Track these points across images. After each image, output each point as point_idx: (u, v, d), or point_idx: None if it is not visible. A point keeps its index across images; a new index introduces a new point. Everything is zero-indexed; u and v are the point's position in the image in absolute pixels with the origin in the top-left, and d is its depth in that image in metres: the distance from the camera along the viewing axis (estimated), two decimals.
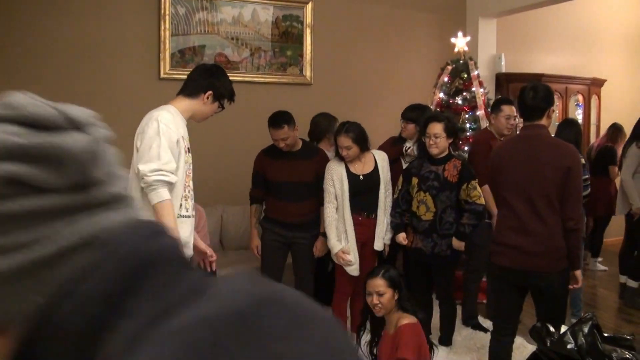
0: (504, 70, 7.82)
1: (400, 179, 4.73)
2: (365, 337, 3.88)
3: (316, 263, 5.00)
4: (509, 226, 3.65)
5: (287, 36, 6.67)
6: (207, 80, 3.29)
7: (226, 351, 0.54)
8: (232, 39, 6.39)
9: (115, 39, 5.89)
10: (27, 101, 0.63)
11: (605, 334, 3.42)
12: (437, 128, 4.44)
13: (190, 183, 3.28)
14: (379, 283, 3.64)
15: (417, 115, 5.08)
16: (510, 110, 5.11)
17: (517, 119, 5.19)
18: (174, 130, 3.07)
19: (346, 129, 4.51)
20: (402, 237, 4.65)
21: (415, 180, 4.59)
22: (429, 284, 4.78)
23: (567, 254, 3.55)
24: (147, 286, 0.60)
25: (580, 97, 8.19)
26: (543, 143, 3.59)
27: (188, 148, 3.25)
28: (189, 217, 3.25)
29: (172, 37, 6.04)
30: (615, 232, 7.75)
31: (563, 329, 3.38)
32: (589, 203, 5.39)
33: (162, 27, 6.01)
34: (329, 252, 4.70)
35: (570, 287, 3.72)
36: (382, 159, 4.69)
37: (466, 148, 6.29)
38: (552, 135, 3.94)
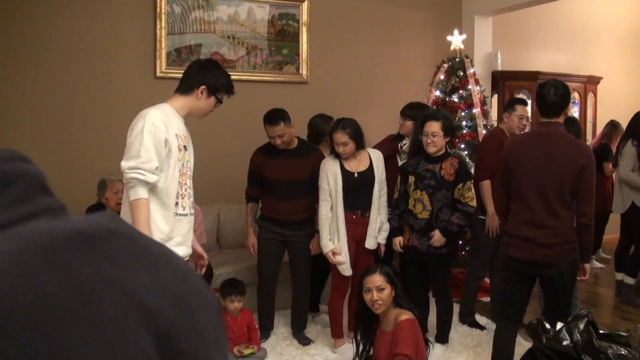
0: (500, 68, 7.82)
1: (399, 178, 4.73)
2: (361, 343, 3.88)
3: (313, 261, 5.01)
4: (522, 219, 3.72)
5: (283, 34, 6.67)
6: (200, 75, 3.27)
7: (57, 257, 0.56)
8: (228, 37, 6.39)
9: (111, 38, 5.88)
10: None
11: (601, 331, 3.44)
12: (435, 127, 4.43)
13: (188, 181, 3.27)
14: (378, 279, 3.66)
15: (416, 113, 5.07)
16: (523, 110, 5.09)
17: (529, 120, 5.20)
18: (163, 129, 3.05)
19: (342, 125, 4.49)
20: (397, 242, 4.65)
21: (412, 179, 4.58)
22: (426, 281, 4.78)
23: (579, 248, 3.67)
24: None
25: (576, 95, 8.19)
26: (560, 141, 3.66)
27: (184, 146, 3.23)
28: (185, 215, 3.24)
29: (168, 36, 6.03)
30: (611, 230, 7.76)
31: (559, 325, 3.39)
32: None
33: (158, 26, 6.00)
34: None
35: (578, 278, 3.83)
36: (377, 158, 4.67)
37: (462, 146, 6.30)
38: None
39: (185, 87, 3.26)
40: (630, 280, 6.13)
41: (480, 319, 5.34)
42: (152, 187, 3.05)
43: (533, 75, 7.89)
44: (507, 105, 5.19)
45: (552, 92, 3.64)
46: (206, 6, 6.24)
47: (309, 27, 6.77)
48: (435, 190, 4.47)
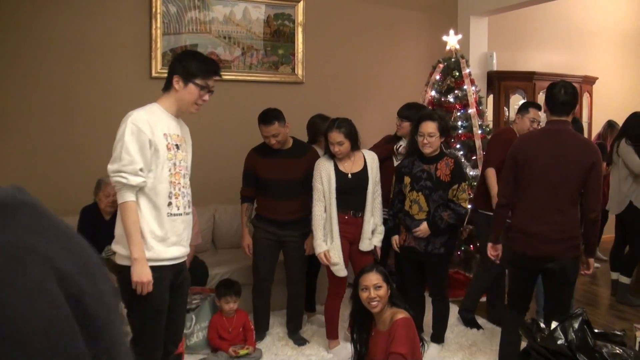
0: (495, 68, 7.84)
1: (393, 178, 4.73)
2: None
3: (309, 261, 5.00)
4: (529, 214, 3.83)
5: (278, 35, 6.67)
6: (172, 66, 3.24)
7: None
8: (224, 37, 6.38)
9: (107, 38, 5.87)
10: None
11: (596, 330, 3.44)
12: (431, 127, 4.42)
13: (182, 180, 3.21)
14: (374, 277, 3.66)
15: (413, 113, 5.05)
16: (536, 114, 5.08)
17: (539, 124, 5.18)
18: (146, 130, 3.01)
19: (337, 124, 4.47)
20: (395, 241, 4.65)
21: (407, 180, 4.56)
22: (422, 281, 4.78)
23: (584, 242, 3.85)
24: None
25: None
26: (570, 139, 3.78)
27: (176, 145, 3.18)
28: (180, 214, 3.19)
29: (163, 36, 6.02)
30: (606, 230, 7.78)
31: (554, 324, 3.40)
32: None
33: (154, 26, 5.99)
34: None
35: (582, 272, 3.97)
36: (372, 159, 4.65)
37: (458, 146, 6.30)
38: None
39: (166, 83, 3.22)
40: (625, 280, 6.14)
41: (478, 319, 5.33)
42: (141, 188, 3.03)
43: (528, 76, 7.90)
44: (521, 108, 5.19)
45: (563, 92, 3.77)
46: (202, 6, 6.24)
47: (304, 27, 6.77)
48: (431, 192, 4.46)
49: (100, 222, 4.84)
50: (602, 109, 8.48)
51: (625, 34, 9.66)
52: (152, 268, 3.03)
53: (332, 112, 5.59)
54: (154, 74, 5.98)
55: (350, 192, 4.54)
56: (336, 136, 4.45)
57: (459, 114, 6.44)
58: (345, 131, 4.45)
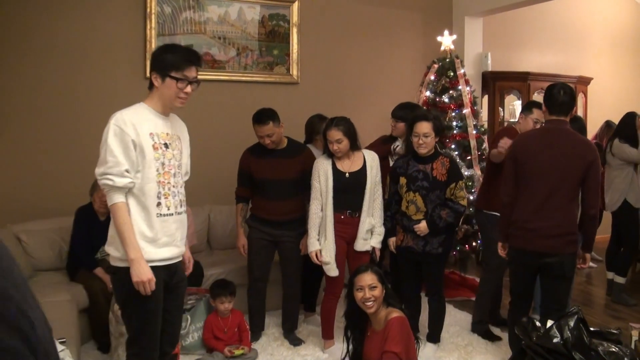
0: (490, 68, 7.86)
1: (387, 179, 4.72)
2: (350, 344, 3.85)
3: (305, 262, 5.00)
4: (528, 211, 3.95)
5: (273, 35, 6.66)
6: (150, 63, 3.20)
7: None
8: (219, 38, 6.37)
9: (101, 38, 5.86)
10: None
11: (592, 328, 3.44)
12: (426, 127, 4.40)
13: (172, 180, 3.13)
14: (369, 277, 3.64)
15: (407, 113, 5.05)
16: (539, 115, 5.02)
17: (542, 125, 5.16)
18: (129, 130, 2.95)
19: (336, 122, 4.48)
20: (391, 243, 4.63)
21: (403, 180, 4.55)
22: (418, 281, 4.77)
23: (583, 238, 3.98)
24: None
25: None
26: (568, 138, 3.92)
27: (165, 144, 3.10)
28: (171, 215, 3.12)
29: (158, 37, 6.00)
30: (602, 230, 7.78)
31: (549, 323, 3.40)
32: None
33: (148, 26, 5.98)
34: None
35: (578, 266, 4.11)
36: (371, 159, 4.61)
37: (453, 146, 6.30)
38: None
39: (149, 82, 3.16)
40: (620, 280, 6.14)
41: (494, 329, 5.15)
42: (130, 190, 2.99)
43: (523, 76, 7.92)
44: (525, 108, 5.11)
45: (562, 93, 3.91)
46: (196, 7, 6.23)
47: (299, 27, 6.77)
48: (428, 192, 4.45)
49: (95, 222, 4.84)
50: (597, 109, 8.49)
51: (620, 35, 9.68)
52: None
53: (327, 113, 5.59)
54: (148, 75, 5.95)
55: (347, 192, 4.52)
56: (334, 134, 4.45)
57: (453, 114, 6.44)
58: (344, 129, 4.44)
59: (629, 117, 6.18)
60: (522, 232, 3.98)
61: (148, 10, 5.98)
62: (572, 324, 3.30)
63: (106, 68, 5.87)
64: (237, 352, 4.49)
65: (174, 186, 3.14)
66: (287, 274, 4.94)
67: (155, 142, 3.05)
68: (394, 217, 4.63)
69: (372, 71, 7.39)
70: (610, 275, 6.29)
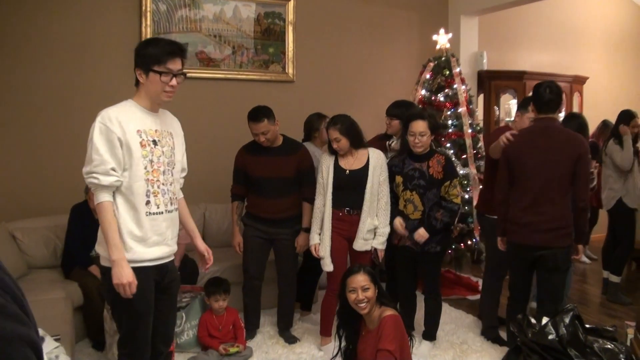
0: (485, 67, 7.86)
1: None
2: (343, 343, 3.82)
3: (308, 260, 4.99)
4: (522, 206, 4.10)
5: (269, 33, 6.66)
6: (134, 60, 3.09)
7: None
8: (214, 36, 6.37)
9: (97, 36, 5.84)
10: None
11: (588, 325, 3.44)
12: (422, 126, 4.40)
13: (161, 177, 3.05)
14: (362, 278, 3.59)
15: (401, 111, 5.06)
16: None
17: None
18: (115, 128, 2.88)
19: (334, 121, 4.50)
20: (399, 223, 4.54)
21: (399, 179, 4.55)
22: (415, 280, 4.77)
23: (575, 230, 4.06)
24: None
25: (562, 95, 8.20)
26: (556, 134, 4.05)
27: (154, 141, 3.03)
28: (161, 213, 3.05)
29: (153, 35, 5.97)
30: (598, 229, 7.81)
31: (544, 320, 3.40)
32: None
33: (144, 24, 5.97)
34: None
35: (573, 257, 4.28)
36: (376, 159, 4.55)
37: (448, 145, 6.30)
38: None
39: (136, 79, 3.10)
40: (615, 279, 6.15)
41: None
42: (118, 188, 2.94)
43: (519, 75, 7.92)
44: (521, 105, 5.03)
45: (548, 92, 4.03)
46: (192, 4, 6.22)
47: (295, 26, 6.77)
48: (425, 190, 4.45)
49: (90, 220, 4.82)
50: (593, 109, 8.48)
51: (615, 34, 9.70)
52: (134, 269, 2.93)
53: (322, 111, 5.61)
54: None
55: (346, 189, 4.52)
56: (332, 133, 4.49)
57: (449, 112, 6.43)
58: (341, 128, 4.45)
59: (622, 114, 6.17)
60: (517, 227, 4.13)
61: (143, 8, 5.97)
62: (567, 320, 3.30)
63: (102, 66, 5.85)
64: (232, 350, 4.48)
65: (163, 184, 3.07)
66: (283, 272, 4.93)
67: (143, 139, 2.99)
68: (393, 204, 4.59)
69: (368, 69, 7.39)
70: (606, 274, 6.30)
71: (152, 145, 3.02)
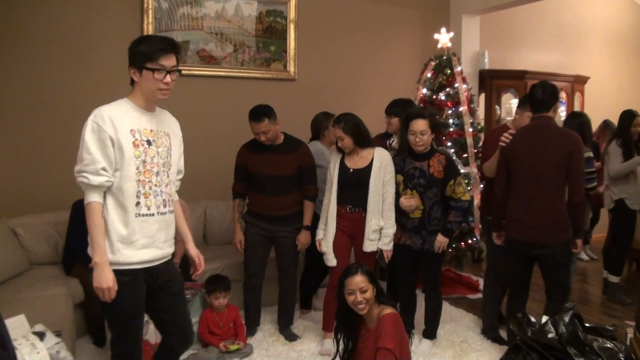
0: (487, 66, 7.87)
1: None
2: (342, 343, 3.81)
3: (309, 259, 5.00)
4: (518, 203, 4.21)
5: (270, 31, 6.66)
6: (128, 60, 3.00)
7: None
8: (216, 34, 6.37)
9: (98, 34, 5.84)
10: None
11: (587, 324, 3.44)
12: (423, 125, 4.40)
13: (154, 178, 2.99)
14: (360, 279, 3.56)
15: (400, 109, 5.06)
16: None
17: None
18: (107, 128, 2.83)
19: (338, 119, 4.53)
20: (404, 199, 4.51)
21: (399, 178, 4.55)
22: (414, 279, 4.77)
23: (572, 225, 4.13)
24: None
25: (563, 94, 8.21)
26: (550, 131, 4.14)
27: (148, 141, 2.97)
28: (152, 215, 2.98)
29: (155, 32, 5.96)
30: (598, 229, 7.82)
31: (544, 318, 3.40)
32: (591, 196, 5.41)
33: (145, 22, 5.97)
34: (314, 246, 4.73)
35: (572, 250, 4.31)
36: (380, 158, 4.54)
37: (449, 144, 6.30)
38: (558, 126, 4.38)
39: (130, 78, 3.04)
40: (614, 279, 6.15)
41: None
42: (108, 188, 2.88)
43: (520, 74, 7.92)
44: (521, 103, 4.95)
45: (541, 92, 4.15)
46: (193, 2, 6.22)
47: (296, 24, 6.77)
48: (426, 189, 4.45)
49: None
50: (594, 108, 8.48)
51: (617, 34, 9.70)
52: (122, 271, 2.88)
53: (323, 109, 5.61)
54: None
55: (349, 187, 4.54)
56: (336, 131, 4.53)
57: (450, 111, 6.44)
58: (344, 126, 4.47)
59: (624, 115, 6.16)
60: (515, 223, 4.23)
61: (145, 5, 5.97)
62: (567, 319, 3.30)
63: (103, 63, 5.85)
64: (233, 347, 4.49)
65: (156, 185, 3.01)
66: (283, 270, 4.94)
67: (137, 139, 2.92)
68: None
69: (369, 68, 7.40)
70: (606, 273, 6.30)
71: (146, 145, 2.96)
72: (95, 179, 2.81)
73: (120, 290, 2.86)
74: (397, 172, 4.56)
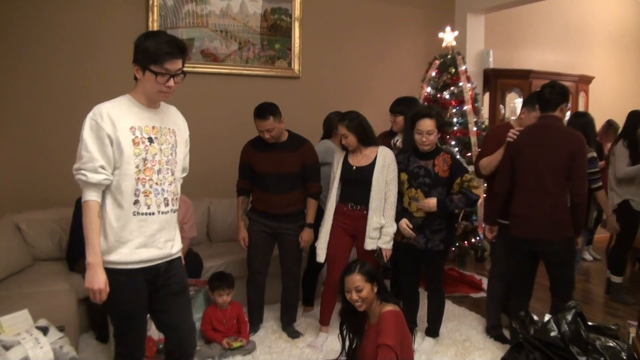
0: (491, 66, 7.86)
1: None
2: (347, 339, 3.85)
3: (310, 256, 5.01)
4: (521, 200, 4.28)
5: (275, 29, 6.67)
6: (133, 55, 2.89)
7: None
8: (221, 31, 6.38)
9: (103, 30, 5.85)
10: None
11: (590, 323, 3.45)
12: (430, 125, 4.40)
13: (155, 176, 2.91)
14: (356, 279, 3.62)
15: (405, 107, 5.06)
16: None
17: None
18: (105, 125, 2.78)
19: (343, 117, 4.57)
20: (405, 224, 4.52)
21: (404, 176, 4.55)
22: (417, 277, 4.77)
23: (573, 223, 4.15)
24: None
25: None
26: (554, 131, 4.19)
27: (149, 138, 2.89)
28: (151, 214, 2.90)
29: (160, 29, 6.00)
30: (601, 229, 7.80)
31: (547, 317, 3.40)
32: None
33: (150, 19, 5.98)
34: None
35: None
36: (383, 157, 4.55)
37: (453, 142, 6.30)
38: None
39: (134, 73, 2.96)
40: (617, 279, 6.14)
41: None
42: (107, 187, 2.83)
43: (525, 74, 7.92)
44: (527, 102, 4.87)
45: (549, 92, 4.23)
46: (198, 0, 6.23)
47: (301, 22, 6.78)
48: (430, 188, 4.45)
49: None
50: (599, 108, 8.46)
51: (622, 34, 9.69)
52: (119, 271, 2.83)
53: (327, 108, 5.62)
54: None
55: (351, 185, 4.57)
56: (340, 129, 4.55)
57: (454, 110, 6.44)
58: (349, 124, 4.49)
59: (632, 116, 6.13)
60: (518, 220, 4.28)
61: (150, 2, 5.97)
62: (569, 318, 3.31)
63: (107, 60, 5.86)
64: (235, 344, 4.49)
65: (157, 184, 2.92)
66: (287, 267, 4.94)
67: (137, 137, 2.85)
68: (402, 215, 4.59)
69: (374, 67, 7.40)
70: (609, 273, 6.29)
71: (147, 143, 2.89)
72: (93, 177, 2.76)
73: (119, 290, 2.83)
74: (401, 170, 4.57)
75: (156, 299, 3.03)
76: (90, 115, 2.83)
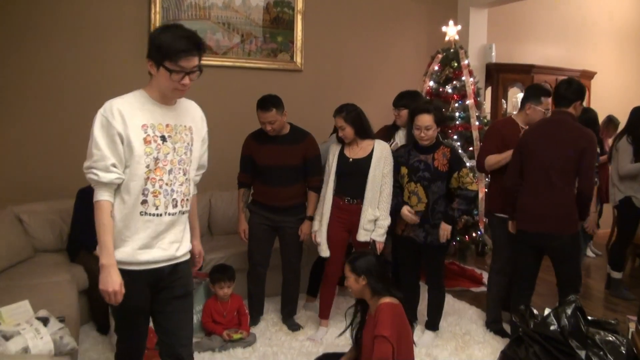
0: (494, 60, 7.85)
1: None
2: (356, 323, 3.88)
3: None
4: (528, 194, 4.30)
5: (278, 22, 6.67)
6: (147, 48, 2.74)
7: None
8: (223, 24, 6.37)
9: (106, 23, 5.84)
10: None
11: (590, 318, 3.45)
12: (427, 120, 4.40)
13: (166, 176, 2.77)
14: (345, 268, 3.71)
15: (408, 101, 5.05)
16: (548, 104, 4.78)
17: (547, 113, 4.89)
18: (116, 123, 2.63)
19: (340, 109, 4.57)
20: (407, 210, 4.52)
21: (404, 170, 4.56)
22: (418, 271, 4.78)
23: (578, 211, 4.21)
24: None
25: None
26: (566, 126, 4.22)
27: (162, 137, 2.75)
28: (159, 215, 2.78)
29: (162, 22, 5.96)
30: (604, 225, 7.80)
31: (546, 311, 3.40)
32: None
33: (153, 11, 5.97)
34: None
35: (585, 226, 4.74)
36: (380, 150, 4.59)
37: (455, 137, 6.30)
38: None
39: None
40: (616, 275, 6.14)
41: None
42: (117, 186, 2.71)
43: (527, 69, 7.91)
44: (532, 96, 4.75)
45: (564, 88, 4.29)
46: None
47: (304, 15, 6.77)
48: (430, 183, 4.45)
49: None
50: (601, 104, 8.46)
51: (625, 29, 9.67)
52: (121, 271, 2.69)
53: (329, 101, 5.60)
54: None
55: (348, 177, 4.58)
56: (337, 120, 4.57)
57: (456, 104, 6.44)
58: (345, 116, 4.51)
59: (635, 112, 6.10)
60: (525, 215, 4.31)
61: None
62: (569, 312, 3.30)
63: (111, 52, 5.86)
64: (236, 336, 4.50)
65: (167, 184, 2.78)
66: (287, 260, 4.95)
67: (149, 135, 2.71)
68: (398, 195, 4.59)
69: (376, 60, 7.39)
70: (609, 269, 6.29)
71: (160, 142, 2.75)
72: (105, 176, 2.64)
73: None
74: (401, 164, 4.57)
75: (157, 300, 2.92)
76: (101, 111, 2.67)
